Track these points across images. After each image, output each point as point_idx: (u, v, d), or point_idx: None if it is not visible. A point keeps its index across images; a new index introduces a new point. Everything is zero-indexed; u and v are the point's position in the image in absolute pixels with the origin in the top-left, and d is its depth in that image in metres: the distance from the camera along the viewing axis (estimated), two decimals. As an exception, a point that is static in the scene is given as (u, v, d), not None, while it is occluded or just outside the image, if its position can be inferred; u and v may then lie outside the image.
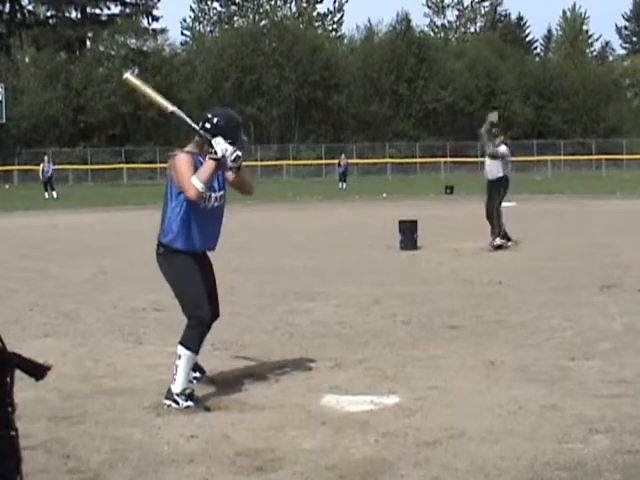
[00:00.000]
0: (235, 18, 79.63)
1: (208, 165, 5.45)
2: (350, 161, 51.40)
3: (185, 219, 5.55)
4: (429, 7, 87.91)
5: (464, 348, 6.92)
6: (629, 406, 5.21)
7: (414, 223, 15.16)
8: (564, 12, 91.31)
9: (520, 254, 13.96)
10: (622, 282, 10.36)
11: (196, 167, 5.49)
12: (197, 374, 5.92)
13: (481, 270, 11.96)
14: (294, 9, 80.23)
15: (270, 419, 5.13)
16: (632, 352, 6.65)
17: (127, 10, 75.21)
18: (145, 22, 74.83)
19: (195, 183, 5.40)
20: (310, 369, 6.35)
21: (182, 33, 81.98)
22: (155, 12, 75.53)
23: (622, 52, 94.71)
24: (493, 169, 14.82)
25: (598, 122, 74.78)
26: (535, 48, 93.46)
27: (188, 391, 5.44)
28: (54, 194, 36.46)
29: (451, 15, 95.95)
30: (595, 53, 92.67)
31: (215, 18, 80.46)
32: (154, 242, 5.74)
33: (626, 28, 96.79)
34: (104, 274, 12.25)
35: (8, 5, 72.26)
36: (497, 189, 14.80)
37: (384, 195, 35.73)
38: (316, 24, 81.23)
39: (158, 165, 55.51)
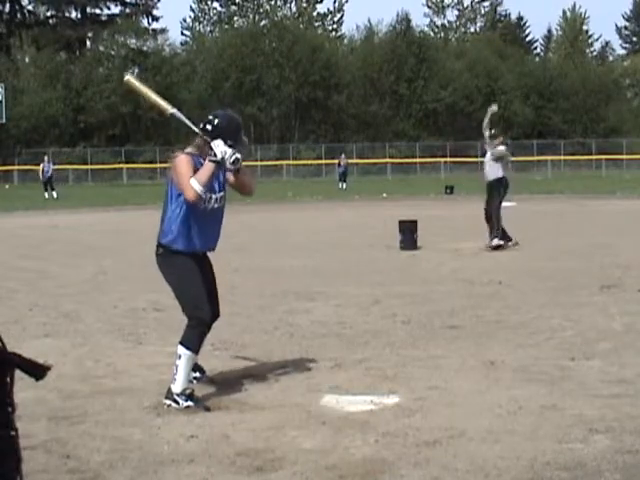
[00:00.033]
0: (235, 18, 79.65)
1: (207, 167, 5.46)
2: (350, 161, 51.35)
3: (185, 220, 5.55)
4: (429, 7, 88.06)
5: (464, 348, 6.92)
6: (629, 406, 5.21)
7: (414, 223, 15.16)
8: (564, 12, 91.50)
9: (520, 254, 13.95)
10: (622, 282, 10.36)
11: (196, 169, 5.49)
12: (197, 374, 5.92)
13: (481, 270, 11.96)
14: (294, 9, 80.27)
15: (270, 419, 5.13)
16: (632, 352, 6.65)
17: (127, 10, 75.26)
18: (145, 22, 75.05)
19: (194, 185, 5.40)
20: (310, 369, 6.35)
21: (182, 33, 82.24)
22: (155, 12, 75.80)
23: (622, 52, 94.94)
24: (493, 170, 14.82)
25: (598, 122, 74.77)
26: (535, 48, 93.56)
27: (188, 391, 5.45)
28: (54, 194, 36.45)
29: (451, 15, 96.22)
30: (595, 53, 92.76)
31: (215, 18, 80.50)
32: (154, 242, 5.74)
33: (626, 28, 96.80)
34: (104, 274, 12.25)
35: (8, 5, 72.29)
36: (497, 190, 14.81)
37: (384, 195, 35.73)
38: (316, 24, 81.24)
39: (158, 165, 55.57)
